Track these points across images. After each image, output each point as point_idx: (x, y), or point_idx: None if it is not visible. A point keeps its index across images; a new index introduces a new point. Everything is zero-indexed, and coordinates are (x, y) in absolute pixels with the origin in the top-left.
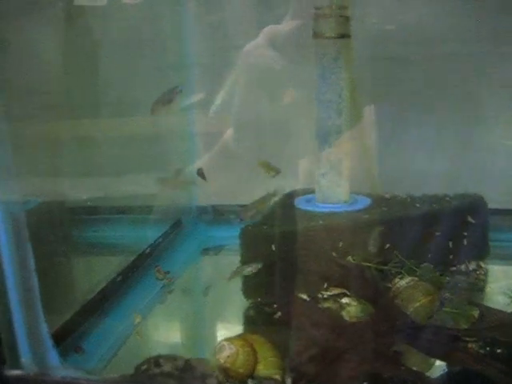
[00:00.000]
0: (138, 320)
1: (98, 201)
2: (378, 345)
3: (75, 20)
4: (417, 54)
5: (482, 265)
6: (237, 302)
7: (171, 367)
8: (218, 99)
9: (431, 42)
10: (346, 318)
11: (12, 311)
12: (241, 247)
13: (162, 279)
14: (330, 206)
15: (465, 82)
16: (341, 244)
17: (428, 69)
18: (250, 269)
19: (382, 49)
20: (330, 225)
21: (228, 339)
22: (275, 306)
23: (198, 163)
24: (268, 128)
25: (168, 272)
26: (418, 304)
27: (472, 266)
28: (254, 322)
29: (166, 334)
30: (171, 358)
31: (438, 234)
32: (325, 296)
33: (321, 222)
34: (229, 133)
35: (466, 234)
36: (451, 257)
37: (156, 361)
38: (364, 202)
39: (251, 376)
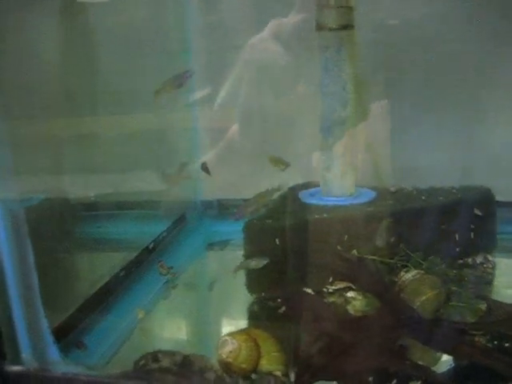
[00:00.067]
0: (141, 315)
1: (102, 197)
2: (383, 339)
3: (76, 15)
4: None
5: (490, 258)
6: (241, 297)
7: (169, 362)
8: (222, 94)
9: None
10: (352, 312)
11: (12, 307)
12: (244, 241)
13: (165, 274)
14: (335, 199)
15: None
16: (346, 237)
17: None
18: (256, 263)
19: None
20: (334, 218)
21: (230, 334)
22: (279, 300)
23: (204, 158)
24: (273, 122)
25: (171, 267)
26: (424, 298)
27: (479, 259)
28: (258, 316)
29: (169, 330)
30: (170, 354)
31: (444, 226)
32: (330, 290)
33: (325, 215)
34: (234, 127)
35: (473, 226)
36: (458, 250)
37: (154, 356)
38: (369, 195)
39: (254, 371)
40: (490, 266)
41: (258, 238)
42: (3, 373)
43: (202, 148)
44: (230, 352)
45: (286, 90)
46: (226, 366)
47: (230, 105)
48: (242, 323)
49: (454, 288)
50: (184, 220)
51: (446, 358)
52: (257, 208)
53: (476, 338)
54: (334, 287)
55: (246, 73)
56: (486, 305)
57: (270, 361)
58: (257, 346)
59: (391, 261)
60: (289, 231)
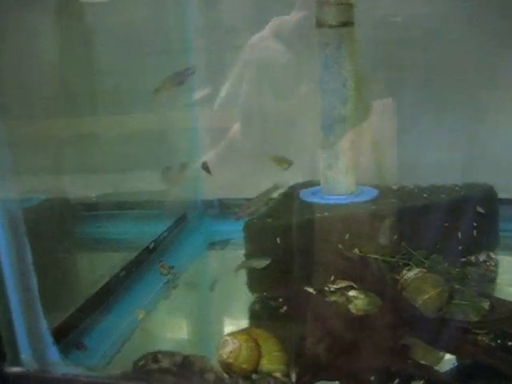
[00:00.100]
0: (141, 315)
1: (102, 197)
2: (385, 338)
3: (76, 15)
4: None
5: (493, 255)
6: (242, 297)
7: (169, 363)
8: (223, 93)
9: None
10: (353, 311)
11: (11, 308)
12: (245, 240)
13: (166, 274)
14: (336, 197)
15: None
16: (347, 236)
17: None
18: (258, 263)
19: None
20: (335, 216)
21: (231, 334)
22: (280, 300)
23: (206, 157)
24: (275, 121)
25: (172, 267)
26: (426, 296)
27: (482, 256)
28: (260, 316)
29: (170, 330)
30: (169, 354)
31: (446, 224)
32: (332, 289)
33: (326, 214)
34: (236, 126)
35: (475, 224)
36: (461, 248)
37: (154, 356)
38: (371, 194)
39: (255, 371)
40: (493, 263)
41: (258, 237)
42: (3, 374)
43: (202, 148)
44: (231, 352)
45: (287, 88)
46: (227, 367)
47: (230, 104)
48: (243, 323)
49: (456, 286)
50: (185, 219)
51: (448, 357)
52: (257, 208)
53: (479, 337)
54: (335, 286)
55: (246, 72)
56: (489, 303)
57: (271, 361)
58: (257, 345)
59: (393, 259)
60: (290, 230)
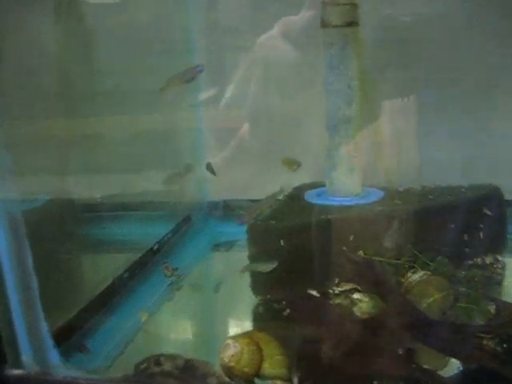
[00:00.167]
0: (144, 318)
1: (107, 197)
2: (389, 342)
3: (80, 16)
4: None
5: (499, 258)
6: (246, 299)
7: (171, 366)
8: (228, 93)
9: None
10: (358, 313)
11: (12, 310)
12: (249, 242)
13: (170, 276)
14: (341, 199)
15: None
16: (352, 238)
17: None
18: (264, 266)
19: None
20: (340, 218)
21: (233, 337)
22: (284, 302)
23: (215, 159)
24: (283, 121)
25: (176, 269)
26: (431, 299)
27: (489, 259)
28: (263, 319)
29: (173, 332)
30: (171, 357)
31: (452, 226)
32: (336, 292)
33: (330, 216)
34: (245, 127)
35: (482, 226)
36: (467, 250)
37: (156, 360)
38: (376, 195)
39: (257, 375)
40: (500, 266)
41: (262, 239)
42: (4, 376)
43: (206, 148)
44: (232, 356)
45: (295, 88)
46: (229, 370)
47: (235, 104)
48: (246, 325)
49: (462, 289)
50: (189, 221)
51: (453, 361)
52: (261, 213)
53: (484, 341)
54: (339, 289)
55: (254, 71)
56: (494, 306)
57: (273, 364)
58: (259, 349)
59: (398, 261)
60: (293, 232)
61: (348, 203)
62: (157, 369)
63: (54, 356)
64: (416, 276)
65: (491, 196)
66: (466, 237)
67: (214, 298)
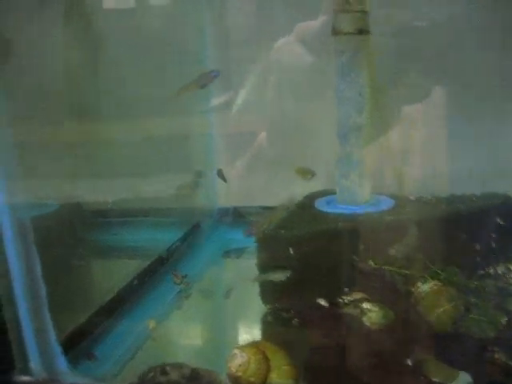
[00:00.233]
0: (152, 326)
1: (117, 203)
2: (397, 354)
3: (98, 25)
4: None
5: None
6: (255, 307)
7: (178, 375)
8: (240, 99)
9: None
10: (367, 323)
11: (21, 317)
12: (258, 251)
13: (179, 283)
14: (352, 207)
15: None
16: (362, 247)
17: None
18: (277, 276)
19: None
20: (350, 227)
21: (240, 347)
22: (292, 311)
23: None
24: (297, 128)
25: (185, 276)
26: (441, 310)
27: (501, 269)
28: (271, 328)
29: (181, 341)
30: (177, 367)
31: (464, 235)
32: (345, 301)
33: (340, 225)
34: (262, 134)
35: (494, 235)
36: (478, 260)
37: (162, 369)
38: (387, 203)
39: None
40: None
41: (271, 247)
42: (12, 382)
43: (218, 154)
44: (239, 365)
45: (310, 94)
46: (236, 380)
47: (248, 110)
48: (255, 334)
49: (473, 300)
50: (199, 227)
51: (463, 375)
52: (269, 226)
53: (495, 355)
54: (349, 298)
55: (269, 76)
56: (506, 318)
57: (280, 374)
58: (266, 359)
59: (408, 272)
60: (303, 241)
61: (358, 211)
62: (163, 378)
63: (61, 363)
64: (426, 286)
65: (503, 205)
66: (477, 246)
67: (223, 305)
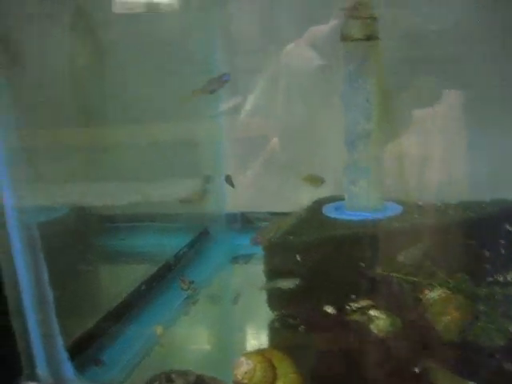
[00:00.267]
0: (159, 332)
1: (125, 208)
2: (404, 362)
3: (107, 31)
4: None
5: None
6: (262, 314)
7: (183, 383)
8: (250, 103)
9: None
10: (375, 331)
11: (28, 324)
12: (265, 257)
13: (186, 289)
14: (360, 213)
15: None
16: (369, 253)
17: None
18: (287, 283)
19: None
20: (358, 233)
21: (246, 354)
22: (298, 319)
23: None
24: (307, 133)
25: (192, 282)
26: (448, 318)
27: (510, 276)
28: (279, 335)
29: (188, 347)
30: (183, 374)
31: (472, 242)
32: (353, 308)
33: (348, 231)
34: (275, 140)
35: (503, 242)
36: (487, 267)
37: (168, 376)
38: (395, 210)
39: None
40: None
41: (278, 254)
42: None
43: (226, 159)
44: (245, 373)
45: (319, 98)
46: None
47: (258, 114)
48: (262, 341)
49: (481, 308)
50: (207, 233)
51: None
52: (275, 235)
53: (504, 364)
54: (356, 305)
55: (279, 80)
56: None
57: (286, 383)
58: (272, 367)
59: (416, 279)
60: (310, 247)
61: (366, 218)
62: None
63: (68, 369)
64: (434, 294)
65: None
66: (486, 253)
67: (231, 311)
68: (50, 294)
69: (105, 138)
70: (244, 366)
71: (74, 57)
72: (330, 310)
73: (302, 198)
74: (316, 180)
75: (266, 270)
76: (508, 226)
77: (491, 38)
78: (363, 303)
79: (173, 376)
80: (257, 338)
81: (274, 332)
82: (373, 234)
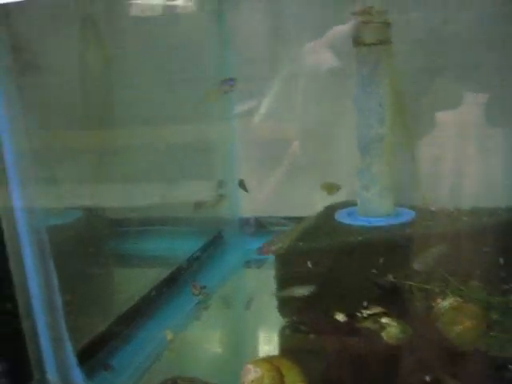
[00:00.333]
0: (169, 337)
1: (138, 212)
2: (415, 372)
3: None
4: None
5: None
6: (273, 320)
7: None
8: (265, 105)
9: None
10: (385, 338)
11: (38, 329)
12: (275, 263)
13: (197, 294)
14: (372, 219)
15: None
16: (381, 260)
17: None
18: (302, 291)
19: None
20: (369, 240)
21: (254, 362)
22: (309, 325)
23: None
24: (323, 136)
25: (204, 287)
26: (461, 327)
27: None
28: (289, 342)
29: (198, 352)
30: (189, 380)
31: (487, 249)
32: (364, 315)
33: (359, 238)
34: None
35: None
36: (502, 275)
37: (174, 382)
38: (408, 216)
39: None
40: None
41: (289, 260)
42: None
43: (240, 163)
44: (252, 381)
45: (335, 101)
46: None
47: (274, 117)
48: (272, 348)
49: (495, 317)
50: (221, 237)
51: None
52: (283, 246)
53: None
54: (368, 312)
55: (295, 82)
56: None
57: None
58: (280, 375)
59: (428, 287)
60: (321, 253)
61: (379, 224)
62: None
63: (77, 375)
64: (446, 303)
65: None
66: (501, 261)
67: (242, 317)
68: (58, 299)
69: (114, 140)
70: (252, 374)
71: (87, 62)
72: (340, 317)
73: (316, 202)
74: (332, 187)
75: (276, 275)
76: None
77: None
78: (374, 310)
79: (179, 382)
80: (267, 344)
81: (285, 338)
82: (384, 240)
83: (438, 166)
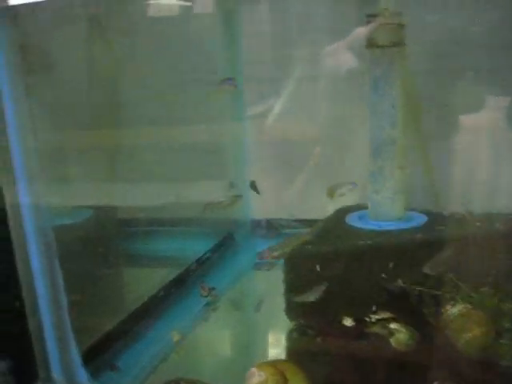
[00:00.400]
0: (176, 338)
1: (149, 212)
2: (420, 379)
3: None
4: None
5: None
6: (281, 323)
7: None
8: (279, 106)
9: None
10: (394, 344)
11: (43, 329)
12: (284, 267)
13: (206, 296)
14: (383, 223)
15: None
16: (391, 265)
17: None
18: (314, 295)
19: None
20: (379, 244)
21: (258, 365)
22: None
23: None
24: (337, 138)
25: (213, 288)
26: (470, 335)
27: None
28: (295, 345)
29: (204, 354)
30: (191, 382)
31: (499, 256)
32: (373, 320)
33: (370, 241)
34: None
35: None
36: None
37: None
38: (419, 220)
39: None
40: None
41: (297, 263)
42: None
43: (251, 164)
44: None
45: (351, 102)
46: None
47: (289, 118)
48: (278, 351)
49: (506, 324)
50: (232, 238)
51: None
52: (284, 252)
53: None
54: (376, 317)
55: (310, 84)
56: None
57: None
58: (284, 380)
59: (438, 292)
60: (330, 257)
61: (389, 228)
62: None
63: (82, 375)
64: (455, 309)
65: None
66: None
67: (249, 319)
68: (64, 299)
69: (123, 140)
70: (256, 378)
71: (97, 62)
72: (348, 322)
73: (328, 205)
74: (334, 192)
75: (285, 279)
76: None
77: None
78: (383, 315)
79: None
80: (274, 347)
81: (292, 341)
82: (395, 244)
83: (453, 170)
